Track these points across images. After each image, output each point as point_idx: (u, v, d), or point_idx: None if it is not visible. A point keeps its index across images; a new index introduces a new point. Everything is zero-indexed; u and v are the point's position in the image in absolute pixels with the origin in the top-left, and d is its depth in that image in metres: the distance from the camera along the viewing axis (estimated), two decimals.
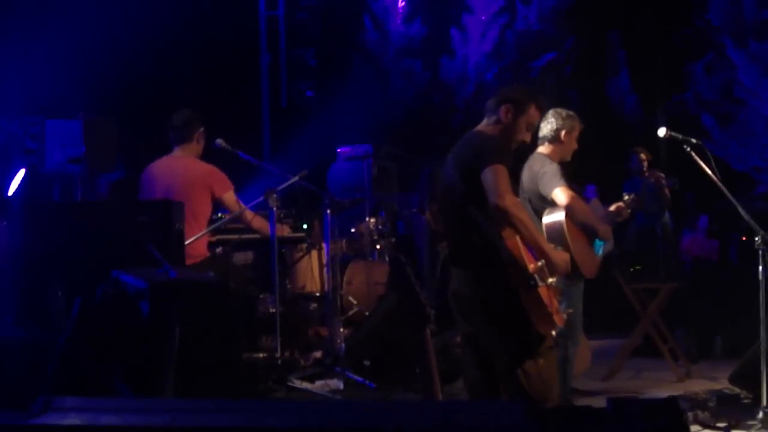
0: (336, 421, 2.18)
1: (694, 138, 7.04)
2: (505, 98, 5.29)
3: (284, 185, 8.13)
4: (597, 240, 7.15)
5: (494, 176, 4.86)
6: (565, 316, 5.27)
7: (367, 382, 7.84)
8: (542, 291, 4.95)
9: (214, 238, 8.26)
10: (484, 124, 5.33)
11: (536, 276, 4.90)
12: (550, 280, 5.04)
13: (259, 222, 8.11)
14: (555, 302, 5.12)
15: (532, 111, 5.33)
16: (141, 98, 11.27)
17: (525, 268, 4.89)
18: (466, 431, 1.92)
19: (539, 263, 4.97)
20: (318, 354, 8.86)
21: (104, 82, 10.83)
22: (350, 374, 7.93)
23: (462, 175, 5.08)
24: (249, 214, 8.06)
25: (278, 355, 7.84)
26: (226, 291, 4.66)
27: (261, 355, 8.09)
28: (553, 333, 5.28)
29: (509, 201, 4.88)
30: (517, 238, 4.90)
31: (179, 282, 4.54)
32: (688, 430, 1.94)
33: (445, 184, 5.33)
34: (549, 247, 5.15)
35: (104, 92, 10.67)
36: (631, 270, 10.32)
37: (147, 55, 12.02)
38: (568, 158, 7.11)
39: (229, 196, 7.87)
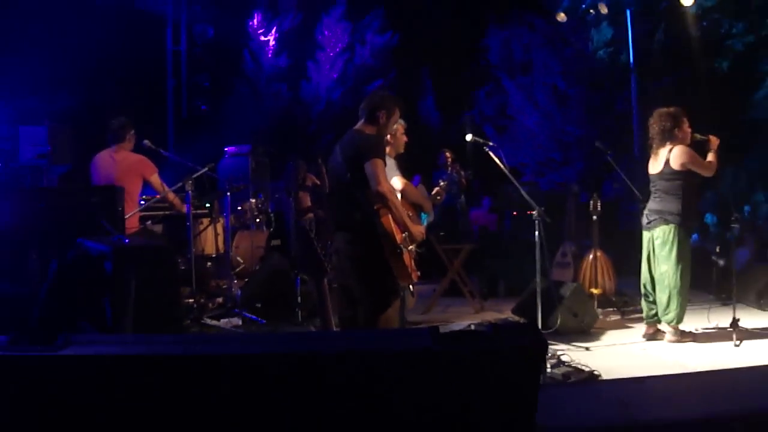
0: (309, 348, 2.14)
1: (491, 142, 7.23)
2: (380, 105, 5.18)
3: (197, 174, 7.99)
4: (423, 213, 7.26)
5: (374, 168, 4.82)
6: (419, 273, 5.32)
7: (259, 319, 7.77)
8: (405, 255, 4.98)
9: (142, 214, 8.10)
10: (362, 124, 5.20)
11: (402, 245, 4.95)
12: (411, 247, 5.09)
13: (178, 201, 8.07)
14: (412, 263, 5.16)
15: (398, 112, 5.31)
16: (80, 111, 10.96)
17: (395, 239, 4.88)
18: (390, 354, 1.92)
19: (404, 234, 5.01)
20: (220, 300, 8.77)
21: (58, 100, 10.51)
22: (246, 314, 7.86)
23: (348, 165, 4.98)
24: (171, 195, 8.00)
25: (193, 300, 7.74)
26: (167, 253, 4.57)
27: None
28: (411, 287, 5.32)
29: (386, 188, 4.86)
30: (389, 216, 4.89)
31: (135, 246, 4.44)
32: (546, 344, 2.03)
33: (333, 171, 5.20)
34: (410, 222, 5.11)
35: (58, 107, 10.36)
36: (440, 235, 10.52)
37: (87, 79, 11.70)
38: (402, 150, 7.09)
39: (155, 178, 7.78)
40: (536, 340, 1.93)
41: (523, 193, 6.92)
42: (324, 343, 2.11)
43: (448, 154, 11.67)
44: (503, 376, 1.87)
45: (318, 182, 12.29)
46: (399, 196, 6.57)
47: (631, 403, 3.82)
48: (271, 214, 11.55)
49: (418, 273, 5.29)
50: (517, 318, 8.12)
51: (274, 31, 17.40)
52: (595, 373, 5.71)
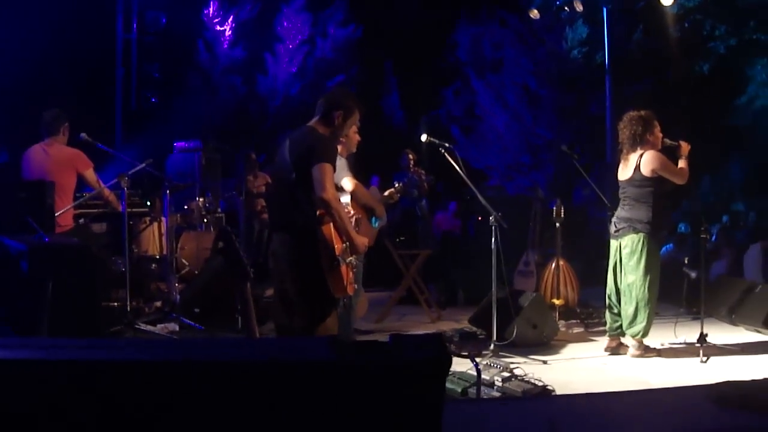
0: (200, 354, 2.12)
1: (447, 143, 7.24)
2: (337, 104, 5.07)
3: (134, 170, 7.92)
4: (374, 217, 7.25)
5: (322, 173, 4.70)
6: (355, 286, 5.26)
7: (197, 325, 7.72)
8: (342, 268, 4.90)
9: (77, 211, 8.02)
10: (317, 122, 5.06)
11: (340, 257, 4.86)
12: (350, 259, 5.00)
13: (113, 198, 8.03)
14: (350, 275, 5.08)
15: (357, 114, 5.21)
16: (22, 100, 10.81)
17: (333, 250, 4.80)
18: (287, 363, 1.90)
19: (344, 245, 4.95)
20: (158, 303, 8.70)
21: None
22: (184, 319, 7.79)
23: (295, 164, 4.84)
24: (106, 192, 7.95)
25: (127, 304, 7.65)
26: (88, 253, 4.50)
27: (114, 304, 7.89)
28: (343, 299, 5.25)
29: (331, 195, 4.72)
30: (331, 224, 4.81)
31: (52, 245, 4.39)
32: (450, 357, 2.01)
33: (279, 166, 5.04)
34: (354, 233, 5.02)
35: None
36: (397, 240, 10.52)
37: (29, 66, 11.55)
38: (354, 149, 7.08)
39: (90, 173, 7.74)
40: (439, 354, 1.92)
41: (480, 197, 6.94)
42: (211, 351, 2.10)
43: (410, 156, 11.67)
44: (400, 391, 1.86)
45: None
46: (348, 197, 6.55)
47: (563, 423, 3.81)
48: (222, 214, 11.51)
49: (355, 286, 5.22)
50: (474, 328, 8.15)
51: (230, 20, 17.33)
52: (548, 388, 5.73)
